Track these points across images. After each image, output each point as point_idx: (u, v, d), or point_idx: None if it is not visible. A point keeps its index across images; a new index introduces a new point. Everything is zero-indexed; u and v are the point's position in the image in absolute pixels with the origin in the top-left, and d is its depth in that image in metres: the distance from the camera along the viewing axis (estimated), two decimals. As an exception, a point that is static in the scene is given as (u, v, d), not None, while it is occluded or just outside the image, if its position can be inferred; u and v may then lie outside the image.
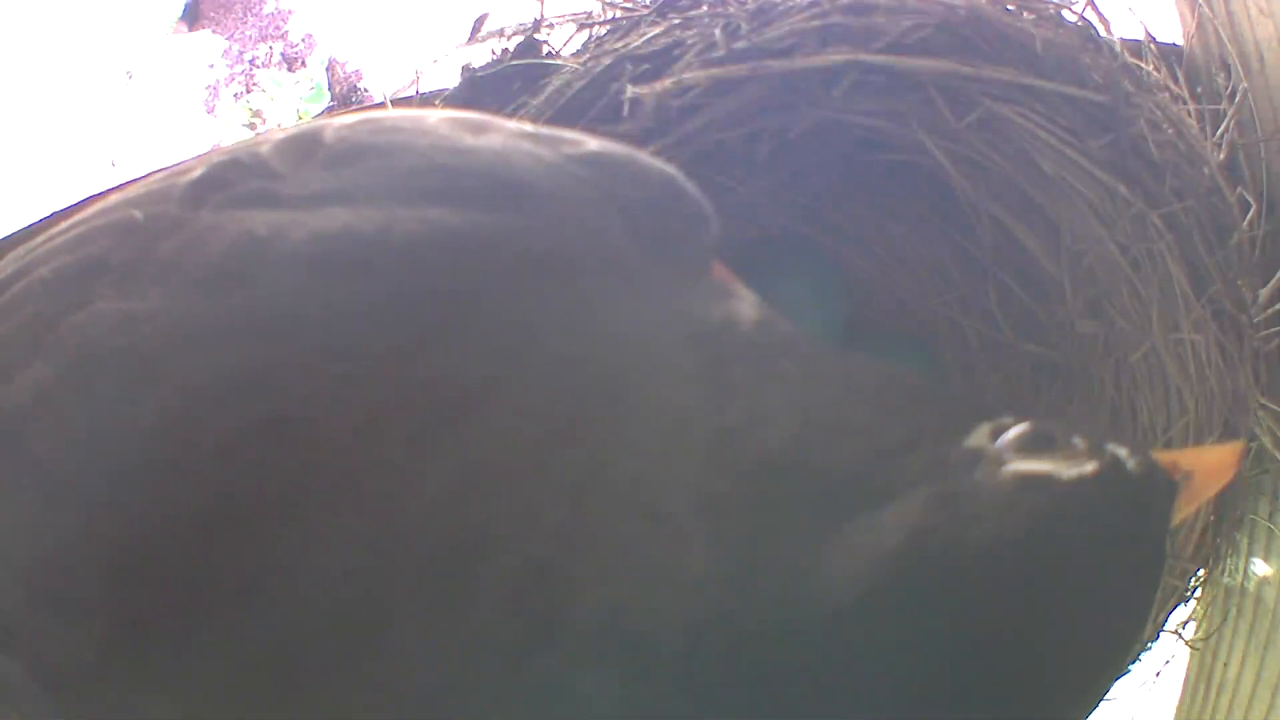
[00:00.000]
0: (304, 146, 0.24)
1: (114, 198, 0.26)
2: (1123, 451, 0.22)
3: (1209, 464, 0.25)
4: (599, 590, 0.19)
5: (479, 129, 0.25)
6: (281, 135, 0.25)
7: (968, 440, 0.22)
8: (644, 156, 0.26)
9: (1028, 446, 0.22)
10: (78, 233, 0.25)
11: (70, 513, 0.21)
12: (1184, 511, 0.24)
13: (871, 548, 0.20)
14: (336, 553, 0.20)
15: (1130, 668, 0.54)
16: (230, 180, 0.24)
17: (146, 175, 0.27)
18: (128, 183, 0.28)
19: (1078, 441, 0.22)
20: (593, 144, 0.25)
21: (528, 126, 0.26)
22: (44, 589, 0.21)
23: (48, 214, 0.33)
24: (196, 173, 0.24)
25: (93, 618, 0.21)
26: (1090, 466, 0.21)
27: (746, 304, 0.24)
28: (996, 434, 0.22)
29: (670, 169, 0.26)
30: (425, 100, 0.48)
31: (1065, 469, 0.21)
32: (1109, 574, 0.21)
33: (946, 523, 0.20)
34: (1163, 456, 0.23)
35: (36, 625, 0.21)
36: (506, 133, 0.25)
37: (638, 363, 0.22)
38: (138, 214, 0.24)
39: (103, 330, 0.22)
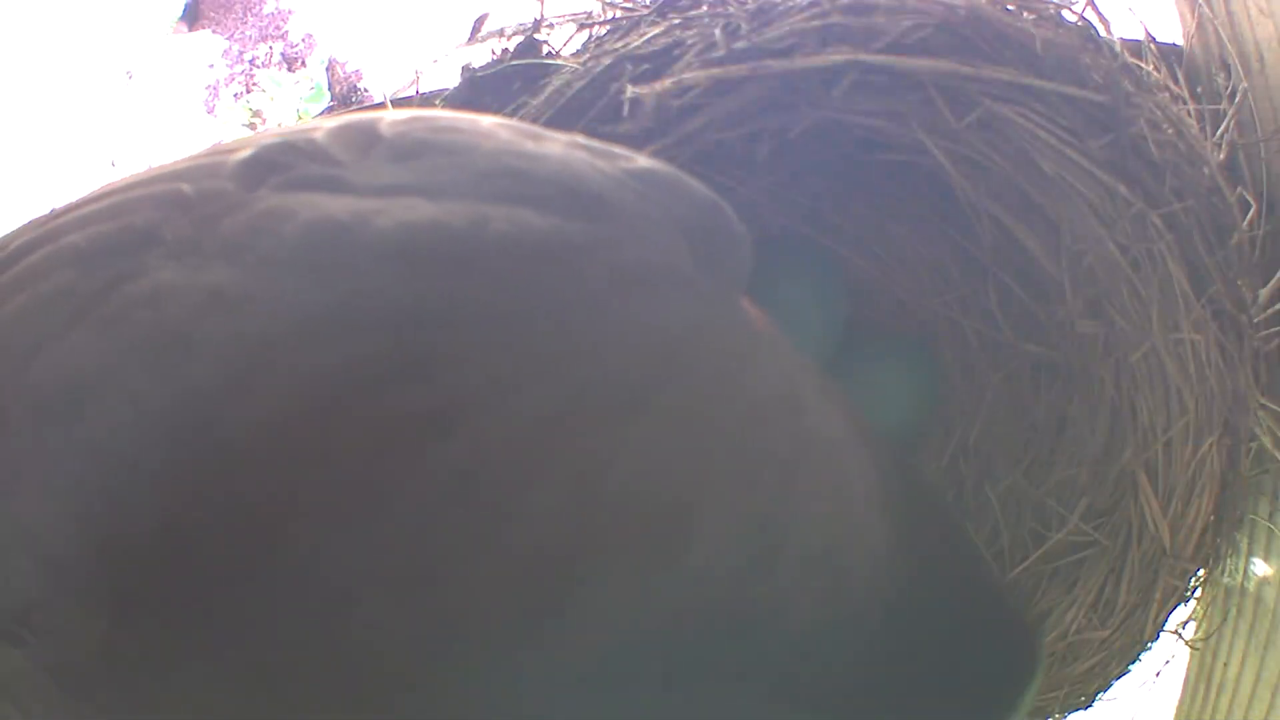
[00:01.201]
0: (361, 137, 0.24)
1: (148, 172, 0.25)
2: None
3: None
4: (811, 537, 0.23)
5: (536, 136, 0.25)
6: (331, 124, 0.24)
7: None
8: (689, 177, 0.26)
9: None
10: (113, 202, 0.23)
11: (123, 498, 0.19)
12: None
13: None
14: (527, 532, 0.20)
15: (1130, 668, 0.54)
16: (287, 163, 0.23)
17: (174, 161, 0.27)
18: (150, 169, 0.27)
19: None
20: (643, 160, 0.25)
21: (579, 138, 0.25)
22: (61, 578, 0.20)
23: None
24: (246, 152, 0.23)
25: (106, 609, 0.20)
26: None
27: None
28: None
29: (712, 193, 0.26)
30: (425, 100, 0.48)
31: None
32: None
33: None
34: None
35: (46, 616, 0.20)
36: (563, 142, 0.25)
37: (754, 370, 0.24)
38: (186, 188, 0.23)
39: (181, 308, 0.20)
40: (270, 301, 0.20)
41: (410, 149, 0.23)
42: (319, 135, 0.24)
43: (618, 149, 0.25)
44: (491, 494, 0.20)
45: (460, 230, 0.21)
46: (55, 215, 0.24)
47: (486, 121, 0.25)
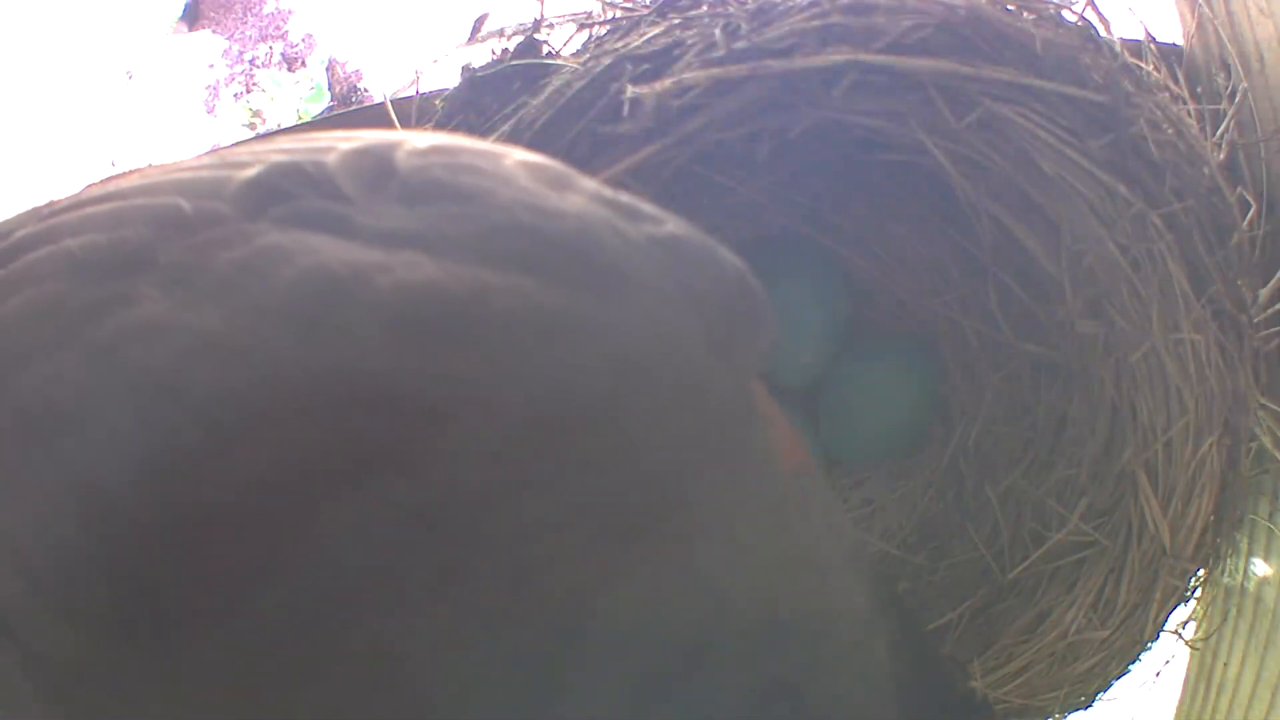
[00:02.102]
0: (375, 169, 0.23)
1: (155, 174, 0.24)
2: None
3: None
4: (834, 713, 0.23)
5: (560, 185, 0.23)
6: (347, 147, 0.23)
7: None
8: (719, 247, 0.24)
9: None
10: (112, 208, 0.23)
11: (98, 530, 0.19)
12: None
13: None
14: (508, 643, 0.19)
15: (1130, 668, 0.54)
16: (292, 191, 0.22)
17: (183, 161, 0.26)
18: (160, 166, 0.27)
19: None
20: (670, 225, 0.24)
21: (606, 190, 0.24)
22: (47, 584, 0.20)
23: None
24: (252, 171, 0.22)
25: (95, 615, 0.20)
26: None
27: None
28: None
29: (741, 264, 0.25)
30: (425, 100, 0.48)
31: None
32: None
33: None
34: None
35: (35, 620, 0.20)
36: (587, 195, 0.23)
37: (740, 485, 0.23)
38: (186, 205, 0.22)
39: (171, 350, 0.20)
40: (258, 358, 0.19)
41: (423, 190, 0.22)
42: (331, 160, 0.23)
43: (647, 208, 0.24)
44: (474, 599, 0.19)
45: (460, 301, 0.20)
46: (60, 207, 0.24)
47: (511, 160, 0.24)
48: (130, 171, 0.26)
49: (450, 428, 0.19)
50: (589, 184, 0.24)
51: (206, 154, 0.26)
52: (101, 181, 0.26)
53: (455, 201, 0.22)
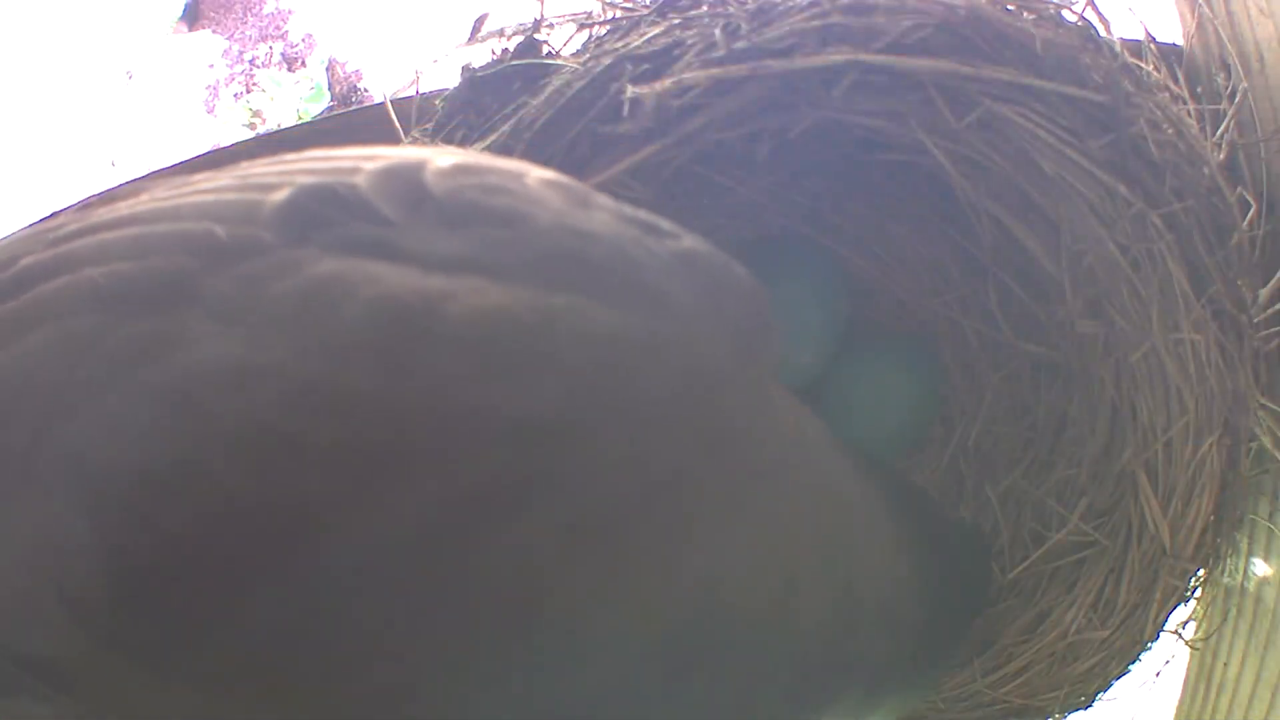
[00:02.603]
0: (408, 190, 0.22)
1: (173, 198, 0.23)
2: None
3: None
4: (878, 594, 0.26)
5: (584, 204, 0.24)
6: (372, 168, 0.23)
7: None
8: (731, 259, 0.25)
9: None
10: (134, 234, 0.22)
11: (169, 582, 0.19)
12: None
13: None
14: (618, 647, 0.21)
15: (1130, 668, 0.54)
16: (331, 217, 0.21)
17: (177, 170, 0.25)
18: (149, 176, 0.26)
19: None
20: (686, 240, 0.24)
21: (625, 207, 0.25)
22: (52, 593, 0.20)
23: (47, 214, 0.33)
24: (282, 194, 0.22)
25: (100, 621, 0.20)
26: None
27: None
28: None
29: (751, 276, 0.26)
30: (425, 100, 0.48)
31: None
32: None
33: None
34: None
35: (43, 628, 0.20)
36: (609, 213, 0.24)
37: (782, 470, 0.24)
38: (220, 231, 0.21)
39: (252, 396, 0.19)
40: (345, 398, 0.19)
41: (463, 213, 0.22)
42: (361, 183, 0.22)
43: (662, 222, 0.24)
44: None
45: (531, 325, 0.20)
46: (64, 233, 0.23)
47: (532, 179, 0.24)
48: (135, 189, 0.25)
49: (534, 450, 0.19)
50: (606, 200, 0.24)
51: (219, 171, 0.25)
52: (107, 201, 0.25)
53: (496, 225, 0.22)
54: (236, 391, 0.19)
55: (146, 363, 0.19)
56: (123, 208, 0.24)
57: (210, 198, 0.23)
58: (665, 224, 0.24)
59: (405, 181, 0.23)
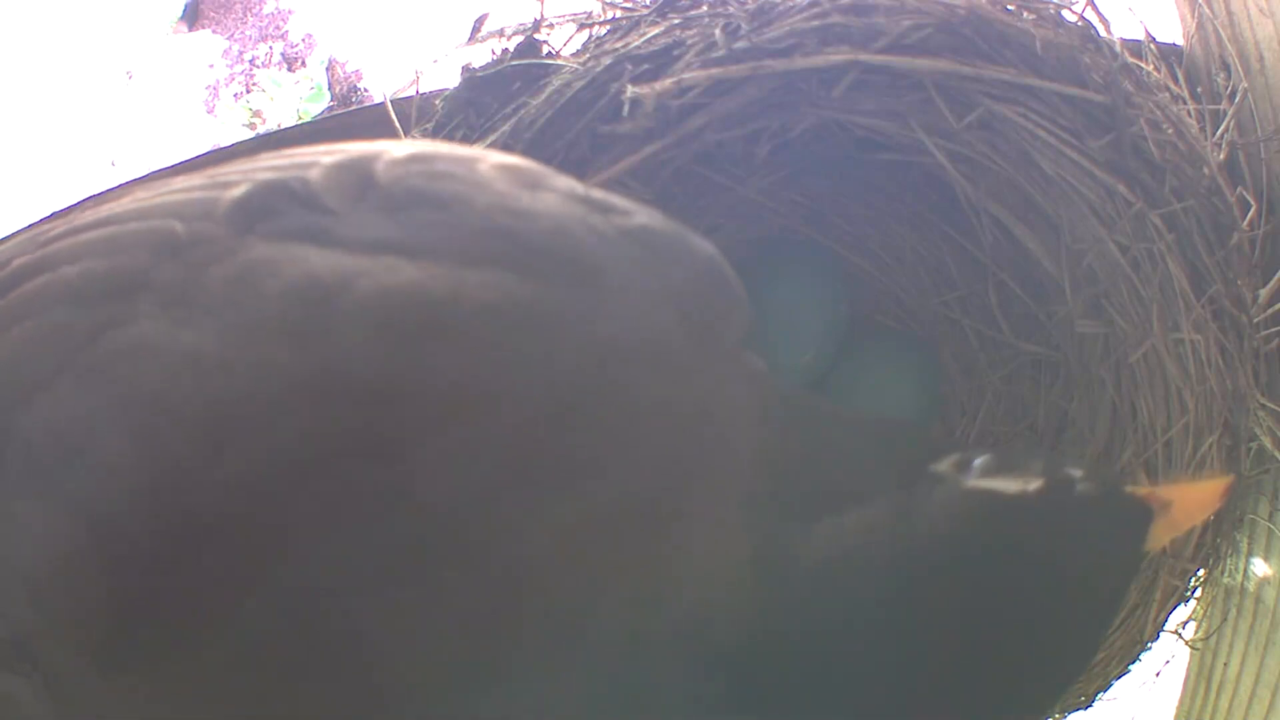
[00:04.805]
0: (356, 181, 0.23)
1: (146, 197, 0.24)
2: (1085, 474, 0.24)
3: (1192, 497, 0.26)
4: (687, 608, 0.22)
5: (533, 185, 0.24)
6: (330, 160, 0.24)
7: (935, 467, 0.24)
8: (689, 234, 0.25)
9: (986, 469, 0.24)
10: (108, 234, 0.23)
11: (81, 534, 0.20)
12: (1160, 539, 0.26)
13: (831, 545, 0.23)
14: (448, 609, 0.20)
15: (1130, 668, 0.54)
16: (279, 208, 0.22)
17: (175, 171, 0.26)
18: (147, 177, 0.27)
19: (1037, 465, 0.24)
20: (641, 216, 0.25)
21: (577, 186, 0.25)
22: (57, 608, 0.21)
23: (48, 214, 0.33)
24: (240, 190, 0.23)
25: (100, 632, 0.20)
26: (1040, 483, 0.23)
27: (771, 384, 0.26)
28: (963, 463, 0.24)
29: (712, 248, 0.25)
30: (425, 100, 0.48)
31: (1015, 485, 0.23)
32: (1057, 581, 0.23)
33: (898, 523, 0.23)
34: (1144, 489, 0.25)
35: (45, 642, 0.21)
36: (560, 193, 0.24)
37: (701, 436, 0.23)
38: (179, 227, 0.22)
39: (161, 365, 0.20)
40: (247, 368, 0.20)
41: (401, 200, 0.23)
42: (314, 176, 0.23)
43: (619, 201, 0.25)
44: (464, 589, 0.20)
45: (438, 298, 0.21)
46: (52, 234, 0.24)
47: (486, 165, 0.24)
48: (121, 191, 0.27)
49: (426, 410, 0.20)
50: (563, 182, 0.25)
51: (197, 172, 0.26)
52: (94, 203, 0.26)
53: (433, 208, 0.23)
54: (143, 363, 0.20)
55: (88, 346, 0.21)
56: (104, 209, 0.25)
57: (178, 197, 0.24)
58: (621, 203, 0.25)
59: (355, 173, 0.23)
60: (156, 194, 0.25)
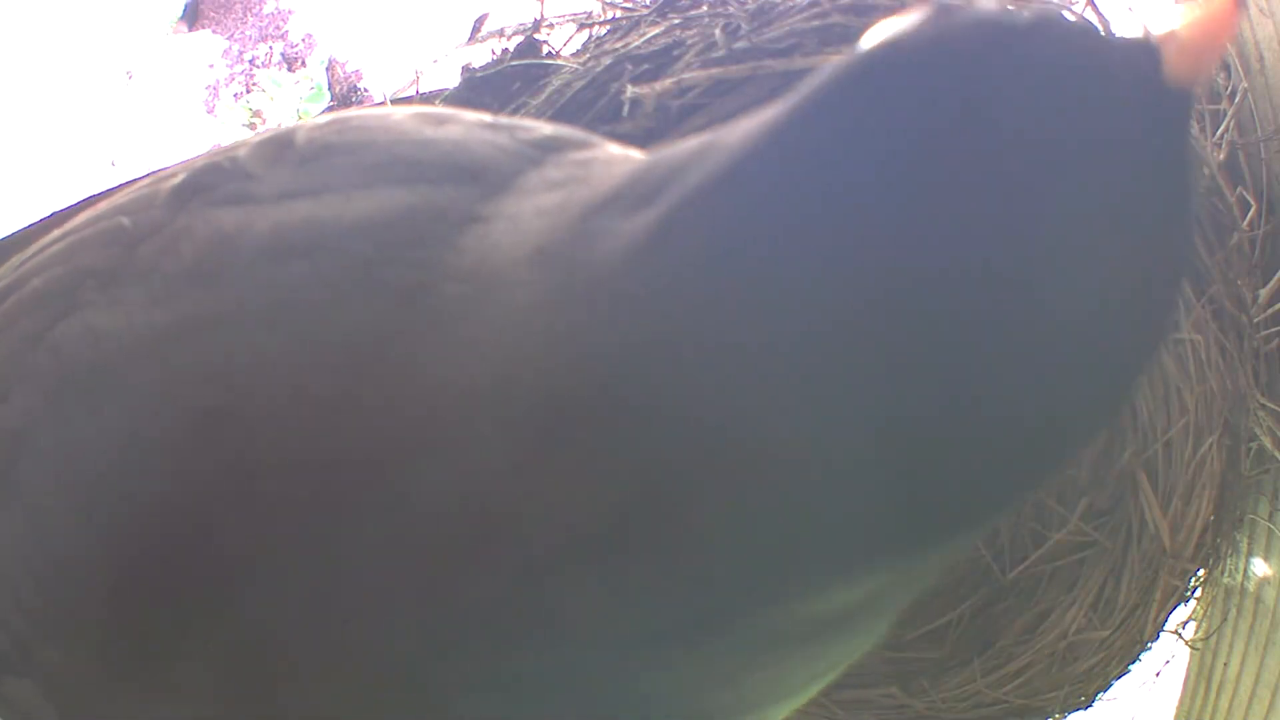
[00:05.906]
0: (277, 149, 0.24)
1: (104, 205, 0.26)
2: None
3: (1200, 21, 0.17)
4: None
5: (440, 121, 0.25)
6: (259, 139, 0.25)
7: None
8: (595, 139, 0.25)
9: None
10: (70, 242, 0.25)
11: (57, 537, 0.21)
12: (1190, 73, 0.17)
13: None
14: (342, 546, 0.19)
15: (1130, 668, 0.54)
16: (210, 184, 0.24)
17: (137, 180, 0.27)
18: (120, 186, 0.28)
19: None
20: (547, 129, 0.25)
21: (487, 117, 0.26)
22: (42, 609, 0.21)
23: (48, 214, 0.33)
24: (179, 178, 0.24)
25: (92, 633, 0.21)
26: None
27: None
28: None
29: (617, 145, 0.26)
30: (425, 100, 0.48)
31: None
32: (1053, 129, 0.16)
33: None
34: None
35: (44, 644, 0.21)
36: (467, 124, 0.25)
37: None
38: (126, 221, 0.24)
39: (75, 346, 0.22)
40: (135, 324, 0.21)
41: (314, 154, 0.24)
42: (243, 152, 0.25)
43: (527, 122, 0.25)
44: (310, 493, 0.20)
45: (323, 219, 0.22)
46: (30, 252, 0.26)
47: (399, 114, 0.25)
48: (93, 196, 0.29)
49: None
50: (472, 117, 0.25)
51: (145, 175, 0.28)
52: (94, 204, 0.27)
53: (342, 154, 0.24)
54: (81, 344, 0.22)
55: (40, 345, 0.22)
56: (71, 220, 0.26)
57: (128, 196, 0.25)
58: (530, 123, 0.25)
59: (277, 142, 0.25)
60: (113, 200, 0.26)
